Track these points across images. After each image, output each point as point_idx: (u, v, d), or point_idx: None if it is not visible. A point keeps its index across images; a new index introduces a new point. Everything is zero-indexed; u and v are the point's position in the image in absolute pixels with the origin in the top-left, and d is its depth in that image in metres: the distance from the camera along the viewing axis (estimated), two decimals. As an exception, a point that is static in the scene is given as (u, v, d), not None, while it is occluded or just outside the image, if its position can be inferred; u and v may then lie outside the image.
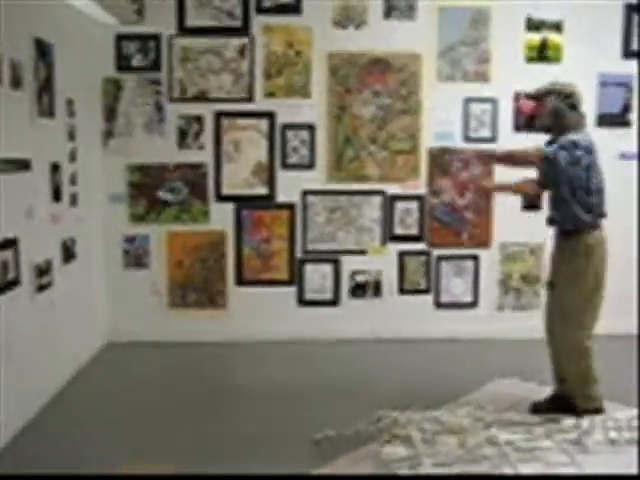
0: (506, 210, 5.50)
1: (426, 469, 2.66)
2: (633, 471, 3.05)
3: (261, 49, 5.32)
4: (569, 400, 3.83)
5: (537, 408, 3.92)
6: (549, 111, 3.88)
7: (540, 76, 5.30)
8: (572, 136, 3.77)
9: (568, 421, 3.64)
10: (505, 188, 4.37)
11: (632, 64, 5.52)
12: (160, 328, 5.42)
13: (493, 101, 5.48)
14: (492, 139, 5.49)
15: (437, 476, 2.55)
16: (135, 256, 5.42)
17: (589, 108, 5.07)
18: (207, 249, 5.46)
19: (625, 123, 5.57)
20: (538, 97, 3.96)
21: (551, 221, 3.93)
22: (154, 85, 5.30)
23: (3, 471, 3.34)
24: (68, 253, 4.61)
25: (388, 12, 5.35)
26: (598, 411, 3.76)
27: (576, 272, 3.77)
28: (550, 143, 3.91)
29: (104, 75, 5.28)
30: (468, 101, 5.46)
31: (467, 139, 5.49)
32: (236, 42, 5.30)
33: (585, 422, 3.58)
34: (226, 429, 3.81)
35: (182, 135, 5.35)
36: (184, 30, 5.26)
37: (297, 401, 4.23)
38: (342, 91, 5.39)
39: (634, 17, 5.49)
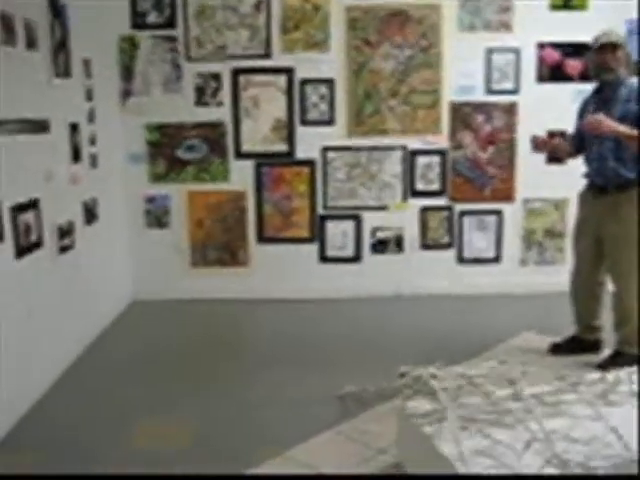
0: (529, 164, 5.42)
1: (451, 423, 2.66)
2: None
3: (278, 3, 5.23)
4: (621, 348, 3.94)
5: (557, 348, 4.14)
6: (627, 59, 3.87)
7: (565, 24, 5.21)
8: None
9: (593, 374, 3.61)
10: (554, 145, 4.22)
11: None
12: (183, 286, 5.45)
13: (516, 51, 5.34)
14: (515, 91, 5.37)
15: (436, 476, 2.56)
16: (156, 216, 5.43)
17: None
18: (227, 207, 5.44)
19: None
20: (617, 45, 3.82)
21: (615, 174, 3.86)
22: (170, 43, 5.24)
23: (46, 414, 3.48)
24: (90, 214, 4.62)
25: (407, -39, 5.22)
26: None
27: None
28: (602, 93, 3.88)
29: (120, 33, 5.22)
30: (490, 52, 5.34)
31: (489, 91, 5.38)
32: (252, -4, 5.21)
33: (610, 375, 3.55)
34: (247, 387, 3.83)
35: (200, 93, 5.30)
36: (199, -15, 5.18)
37: (320, 358, 4.25)
38: (361, 45, 5.29)
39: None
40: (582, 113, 4.07)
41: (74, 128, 4.37)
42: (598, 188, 3.95)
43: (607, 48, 3.81)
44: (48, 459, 3.10)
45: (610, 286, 4.06)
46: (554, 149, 4.27)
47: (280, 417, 3.43)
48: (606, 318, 4.11)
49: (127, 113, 5.30)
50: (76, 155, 4.40)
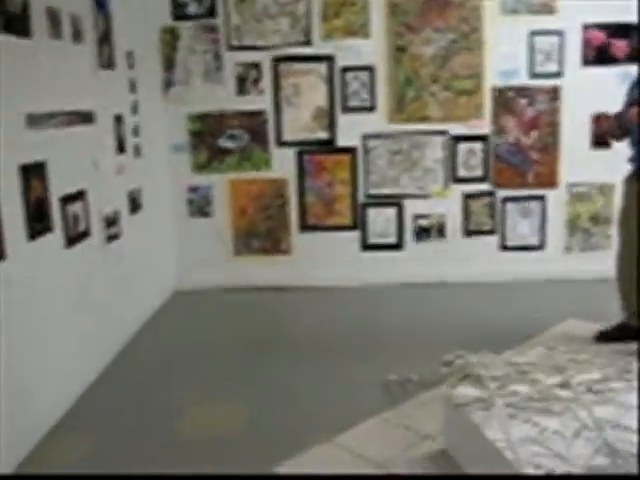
0: (574, 149, 5.33)
1: (499, 410, 2.65)
2: None
3: (318, -10, 5.22)
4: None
5: (604, 336, 4.11)
6: None
7: (609, 6, 5.10)
8: None
9: (641, 362, 3.57)
10: None
11: None
12: (226, 275, 5.50)
13: (560, 33, 5.25)
14: (559, 74, 5.29)
15: (435, 476, 2.55)
16: (199, 205, 5.48)
17: None
18: (270, 196, 5.47)
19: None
20: None
21: None
22: (211, 33, 5.27)
23: (97, 399, 3.58)
24: (135, 204, 4.68)
25: (449, -55, 5.16)
26: None
27: None
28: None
29: (161, 25, 5.27)
30: (533, 34, 5.25)
31: (533, 75, 5.30)
32: (292, -16, 5.20)
33: (660, 363, 3.50)
34: (293, 375, 3.86)
35: (241, 82, 5.32)
36: (239, -26, 5.19)
37: (364, 346, 4.25)
38: (402, 30, 5.25)
39: None
40: (630, 95, 3.99)
41: (118, 119, 4.43)
42: None
43: None
44: (101, 441, 3.18)
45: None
46: (612, 128, 4.12)
47: (326, 404, 3.46)
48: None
49: (169, 103, 5.35)
50: (121, 146, 4.46)
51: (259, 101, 5.35)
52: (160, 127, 5.31)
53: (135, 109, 4.75)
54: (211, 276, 5.49)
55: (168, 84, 5.34)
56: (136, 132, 4.76)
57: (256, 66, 5.31)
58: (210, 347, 4.35)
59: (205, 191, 5.46)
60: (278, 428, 3.25)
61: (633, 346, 3.96)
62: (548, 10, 5.23)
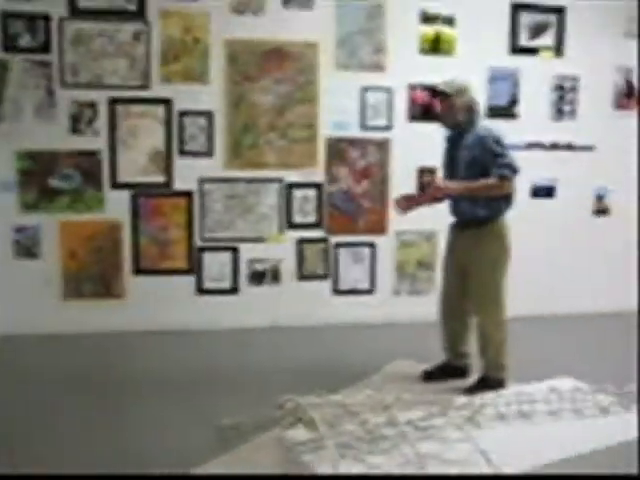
0: (401, 198, 5.66)
1: (329, 451, 2.73)
2: (521, 443, 3.24)
3: (158, 34, 5.22)
4: (486, 373, 4.17)
5: (429, 375, 4.34)
6: (466, 107, 4.06)
7: (433, 68, 5.52)
8: (487, 128, 4.09)
9: (461, 399, 3.81)
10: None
11: (518, 59, 5.79)
12: (54, 320, 5.24)
13: (389, 90, 5.60)
14: (388, 127, 5.62)
15: (432, 476, 2.61)
16: (26, 246, 5.22)
17: (480, 100, 5.30)
18: (102, 238, 5.33)
19: (511, 115, 5.83)
20: (448, 94, 4.08)
21: (471, 213, 4.10)
22: (44, 68, 5.11)
23: None
24: (-47, 243, 4.39)
25: (287, 1, 5.36)
26: (503, 381, 4.12)
27: (498, 254, 4.09)
28: (452, 138, 4.12)
29: (-11, 56, 5.04)
30: (365, 90, 5.56)
31: (364, 127, 5.59)
32: (131, 26, 5.17)
33: (477, 399, 3.75)
34: (123, 419, 3.75)
35: (75, 121, 5.18)
36: (76, 11, 5.08)
37: (198, 390, 4.21)
38: (240, 79, 5.37)
39: (520, 15, 5.75)
40: (443, 156, 4.34)
41: (-62, 153, 4.16)
42: (459, 223, 4.24)
43: (440, 96, 4.13)
44: None
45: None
46: (419, 204, 4.37)
47: (158, 451, 3.37)
48: (473, 345, 4.34)
49: (-4, 139, 5.10)
50: (-60, 182, 4.19)
51: (94, 141, 5.22)
52: (-15, 163, 5.04)
53: (-43, 143, 4.49)
54: (38, 320, 5.21)
55: (-5, 119, 5.09)
56: (-42, 168, 4.49)
57: (91, 105, 5.20)
58: (27, 396, 4.12)
59: (33, 232, 5.21)
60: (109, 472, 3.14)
61: (455, 383, 4.22)
62: (378, 68, 5.57)
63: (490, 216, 4.07)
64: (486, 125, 4.18)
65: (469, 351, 4.39)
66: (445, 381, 4.29)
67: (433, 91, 4.16)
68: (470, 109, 4.08)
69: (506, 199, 4.08)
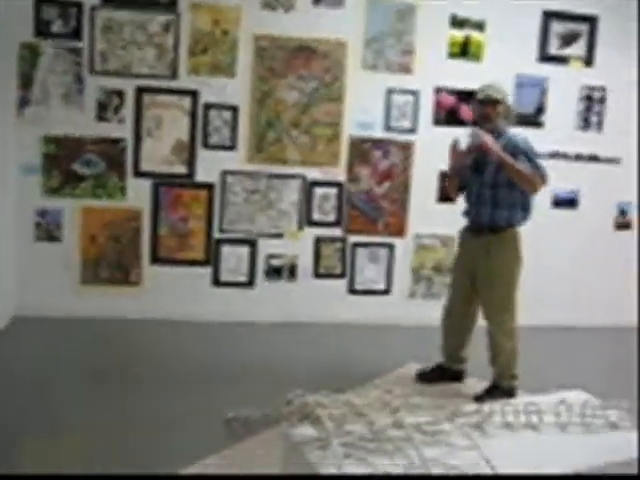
0: (421, 201, 5.65)
1: (334, 450, 2.73)
2: (527, 454, 3.22)
3: (187, 26, 5.25)
4: (497, 382, 4.17)
5: (422, 376, 4.40)
6: (506, 112, 4.14)
7: (461, 72, 5.51)
8: (519, 134, 4.15)
9: (470, 406, 3.79)
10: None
11: (547, 68, 5.75)
12: (71, 304, 5.30)
13: (415, 93, 5.59)
14: (412, 130, 5.61)
15: (433, 476, 2.61)
16: (47, 229, 5.28)
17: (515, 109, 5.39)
18: (122, 225, 5.37)
19: (537, 123, 5.80)
20: (497, 100, 4.08)
21: (490, 218, 4.10)
22: (74, 55, 5.16)
23: None
24: (-24, 223, 4.45)
25: (317, -1, 5.38)
26: (514, 390, 4.12)
27: (512, 263, 4.11)
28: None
29: (21, 40, 5.09)
30: (390, 91, 5.56)
31: (388, 129, 5.59)
32: (162, 17, 5.21)
33: (486, 407, 3.73)
34: (134, 407, 3.79)
35: (101, 108, 5.23)
36: (108, 0, 5.12)
37: (209, 382, 4.24)
38: (267, 74, 5.39)
39: (552, 23, 5.71)
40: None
41: (-34, 134, 4.22)
42: (474, 228, 4.21)
43: (487, 102, 4.11)
44: None
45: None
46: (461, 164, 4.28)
47: (166, 440, 3.41)
48: (470, 350, 4.38)
49: (23, 123, 5.15)
50: (-34, 162, 4.25)
51: (119, 129, 5.27)
52: (11, 146, 5.10)
53: (-15, 125, 4.55)
54: (56, 303, 5.27)
55: (23, 103, 5.14)
56: (-16, 149, 4.55)
57: (119, 94, 5.24)
58: (45, 378, 4.17)
59: (55, 216, 5.27)
60: (117, 463, 3.17)
61: (466, 389, 4.22)
62: (405, 70, 5.56)
63: (509, 224, 4.08)
64: (514, 132, 4.20)
65: (466, 356, 4.41)
66: (438, 383, 4.33)
67: (482, 99, 4.11)
68: (508, 113, 4.12)
69: (525, 208, 4.09)
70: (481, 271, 4.15)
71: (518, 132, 4.24)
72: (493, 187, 4.07)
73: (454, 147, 4.21)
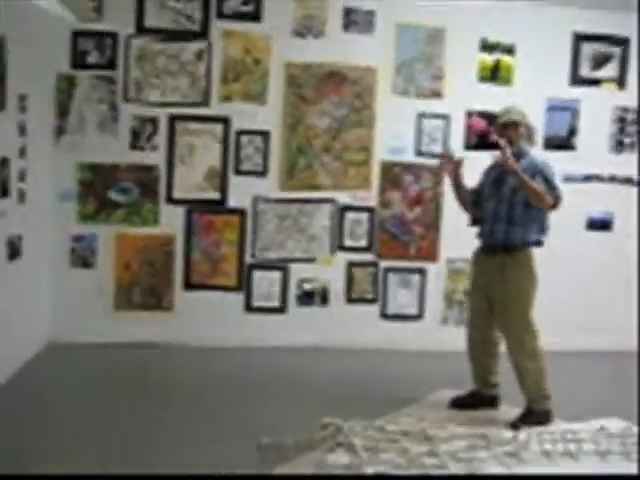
0: (452, 225, 5.62)
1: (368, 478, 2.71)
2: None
3: (219, 54, 5.33)
4: (529, 405, 4.07)
5: (457, 403, 4.32)
6: (528, 134, 4.23)
7: (491, 96, 5.50)
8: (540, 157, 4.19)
9: (506, 433, 3.74)
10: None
11: (578, 90, 5.72)
12: (105, 329, 5.35)
13: (445, 117, 5.59)
14: (443, 155, 5.59)
15: (436, 476, 2.58)
16: (82, 256, 5.35)
17: (538, 131, 5.36)
18: (155, 251, 5.42)
19: (570, 147, 5.76)
20: (518, 123, 4.12)
21: (505, 237, 4.08)
22: (109, 84, 5.26)
23: None
24: (13, 250, 4.52)
25: (347, 25, 5.42)
26: (549, 413, 4.03)
27: (528, 283, 4.07)
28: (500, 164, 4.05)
29: (58, 71, 5.21)
30: (421, 116, 5.56)
31: (419, 153, 5.59)
32: (194, 46, 5.29)
33: (522, 434, 3.68)
34: (169, 432, 3.79)
35: (135, 136, 5.31)
36: (142, 30, 5.23)
37: (242, 407, 4.23)
38: (298, 101, 5.43)
39: (582, 46, 5.69)
40: (484, 177, 4.36)
41: (4, 162, 4.31)
42: (488, 249, 4.20)
43: (509, 125, 4.14)
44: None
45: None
46: (456, 168, 4.37)
47: (200, 467, 3.40)
48: (504, 376, 4.30)
49: (60, 151, 5.26)
50: (4, 190, 4.33)
51: (152, 156, 5.34)
52: (48, 173, 5.20)
53: (23, 153, 4.64)
54: (90, 329, 5.32)
55: (60, 131, 5.25)
56: (22, 176, 4.63)
57: (152, 121, 5.32)
58: (76, 404, 4.20)
59: (89, 242, 5.34)
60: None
61: (501, 416, 4.14)
62: (435, 94, 5.57)
63: (523, 242, 4.07)
64: (535, 154, 4.23)
65: (498, 382, 4.35)
66: (474, 410, 4.25)
67: (504, 122, 4.17)
68: (530, 134, 4.13)
69: (541, 227, 4.11)
70: (496, 295, 4.11)
71: (539, 154, 4.23)
72: (510, 204, 4.08)
73: (444, 156, 4.38)
